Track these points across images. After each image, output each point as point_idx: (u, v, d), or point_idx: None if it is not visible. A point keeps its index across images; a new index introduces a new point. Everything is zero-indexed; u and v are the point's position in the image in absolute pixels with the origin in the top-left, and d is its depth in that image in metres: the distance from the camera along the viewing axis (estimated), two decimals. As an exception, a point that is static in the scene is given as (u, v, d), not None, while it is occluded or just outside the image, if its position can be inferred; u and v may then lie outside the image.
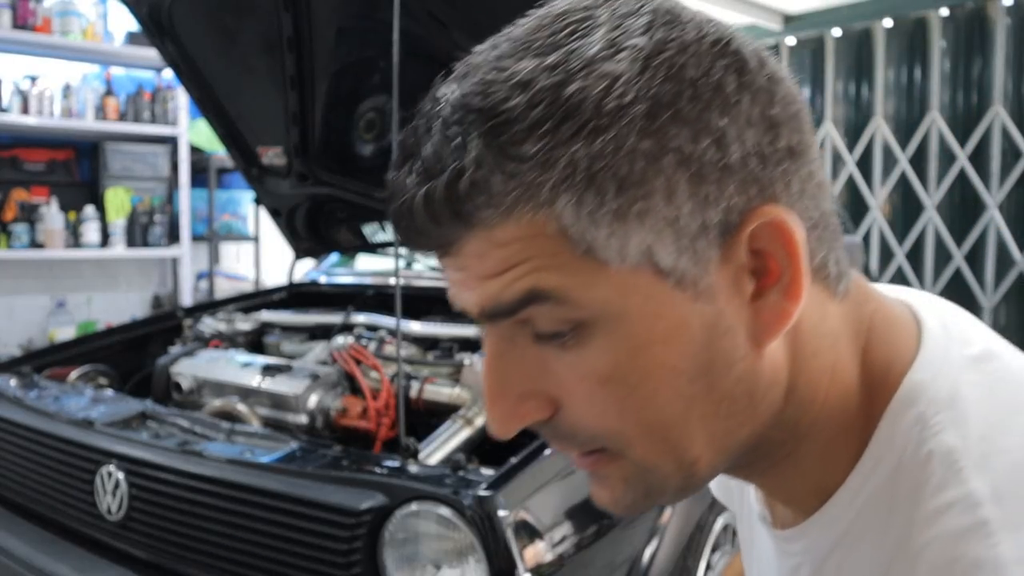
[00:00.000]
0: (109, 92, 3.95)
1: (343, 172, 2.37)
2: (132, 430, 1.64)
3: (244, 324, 2.39)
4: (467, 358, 1.88)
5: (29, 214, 3.81)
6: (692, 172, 0.40)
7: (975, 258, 5.01)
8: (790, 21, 5.59)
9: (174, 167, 4.18)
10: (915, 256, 5.24)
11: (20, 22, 3.65)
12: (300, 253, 2.70)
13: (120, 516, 1.50)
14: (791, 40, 5.69)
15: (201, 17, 2.24)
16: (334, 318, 2.32)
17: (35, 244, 3.80)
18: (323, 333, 2.30)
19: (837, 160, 5.53)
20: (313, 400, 1.80)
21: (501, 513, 1.24)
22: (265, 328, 2.42)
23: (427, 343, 2.10)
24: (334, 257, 3.06)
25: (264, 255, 4.54)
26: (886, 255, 5.34)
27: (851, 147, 5.46)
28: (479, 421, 1.69)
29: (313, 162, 2.37)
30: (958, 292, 5.07)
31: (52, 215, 3.80)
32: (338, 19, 2.12)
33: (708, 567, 1.63)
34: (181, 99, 4.05)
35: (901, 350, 0.48)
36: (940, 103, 5.06)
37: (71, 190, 3.99)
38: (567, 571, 1.31)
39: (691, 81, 0.41)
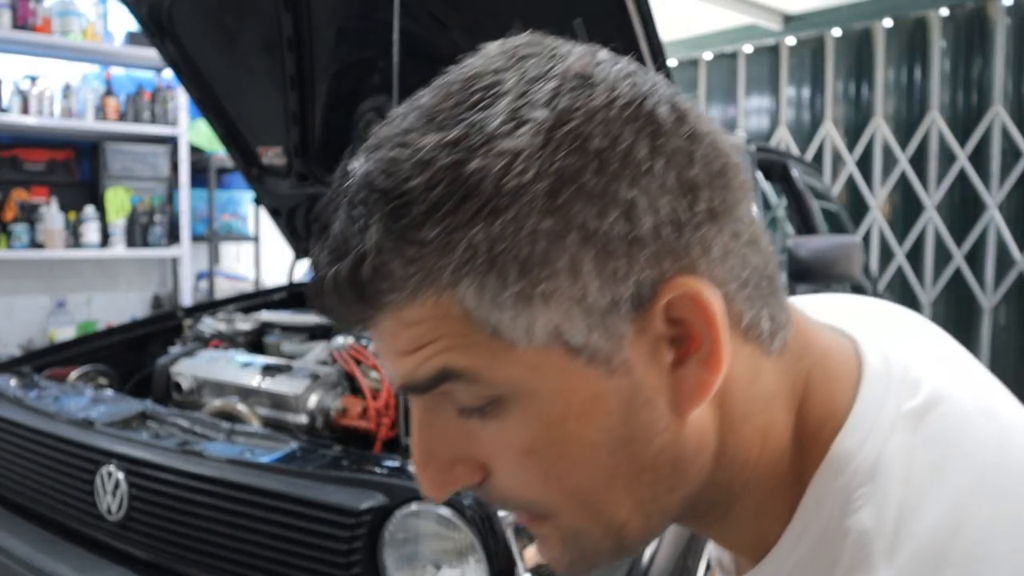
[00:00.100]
0: (109, 92, 3.95)
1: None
2: (132, 430, 1.64)
3: (244, 324, 2.39)
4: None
5: (29, 214, 3.81)
6: (598, 249, 0.39)
7: (975, 258, 5.01)
8: (790, 21, 5.58)
9: (174, 167, 4.18)
10: (915, 256, 5.24)
11: (20, 22, 3.65)
12: (300, 253, 2.70)
13: (120, 516, 1.50)
14: (791, 40, 5.69)
15: (201, 17, 2.24)
16: (334, 318, 2.31)
17: (35, 244, 3.80)
18: (323, 333, 2.30)
19: (837, 160, 5.53)
20: (313, 400, 1.81)
21: (501, 513, 1.24)
22: (265, 328, 2.42)
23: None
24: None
25: (264, 255, 4.54)
26: (886, 255, 5.34)
27: (851, 147, 5.46)
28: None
29: (313, 162, 2.37)
30: (958, 292, 5.07)
31: (52, 215, 3.80)
32: (338, 19, 2.12)
33: (708, 567, 1.63)
34: (181, 99, 4.05)
35: (837, 405, 0.46)
36: (940, 103, 5.06)
37: (71, 190, 3.99)
38: (567, 571, 1.31)
39: (596, 152, 0.39)
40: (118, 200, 4.01)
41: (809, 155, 5.55)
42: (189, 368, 2.05)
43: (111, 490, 1.51)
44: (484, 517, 1.24)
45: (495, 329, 0.40)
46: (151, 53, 3.47)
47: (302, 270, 3.05)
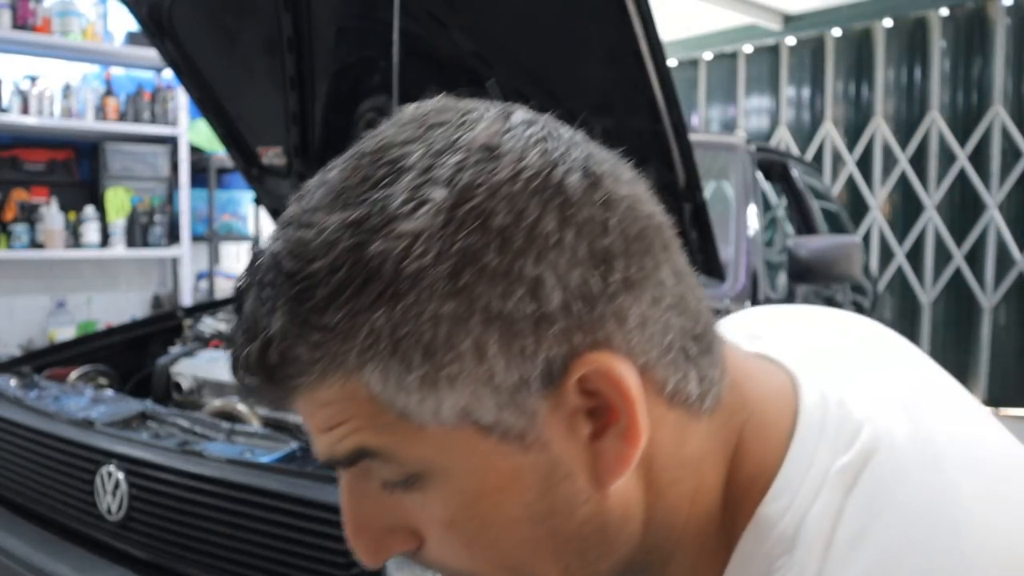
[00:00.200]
0: (109, 92, 3.95)
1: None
2: (132, 430, 1.64)
3: (244, 324, 2.39)
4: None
5: (29, 214, 3.81)
6: (503, 330, 0.39)
7: (975, 258, 5.01)
8: (790, 21, 5.58)
9: (174, 167, 4.18)
10: (915, 256, 5.24)
11: (20, 22, 3.65)
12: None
13: (120, 516, 1.50)
14: (791, 40, 5.69)
15: (201, 17, 2.24)
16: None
17: (35, 244, 3.80)
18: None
19: (837, 160, 5.53)
20: (313, 400, 1.80)
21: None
22: (265, 328, 2.41)
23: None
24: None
25: (264, 255, 4.53)
26: (886, 255, 5.34)
27: (851, 147, 5.46)
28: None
29: (313, 162, 2.37)
30: (958, 292, 5.08)
31: (52, 215, 3.80)
32: (338, 19, 2.12)
33: None
34: (181, 99, 4.05)
35: (768, 462, 0.45)
36: (940, 103, 5.06)
37: (71, 190, 3.99)
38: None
39: (499, 230, 0.39)
40: (118, 200, 4.01)
41: (809, 155, 5.55)
42: (189, 368, 2.05)
43: (111, 490, 1.51)
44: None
45: (403, 411, 0.40)
46: (151, 53, 3.47)
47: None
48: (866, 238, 5.30)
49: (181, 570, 1.44)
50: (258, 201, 2.71)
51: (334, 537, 1.29)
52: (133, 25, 3.78)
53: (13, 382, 1.96)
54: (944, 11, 4.98)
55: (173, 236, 4.18)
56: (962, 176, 4.99)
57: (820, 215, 3.21)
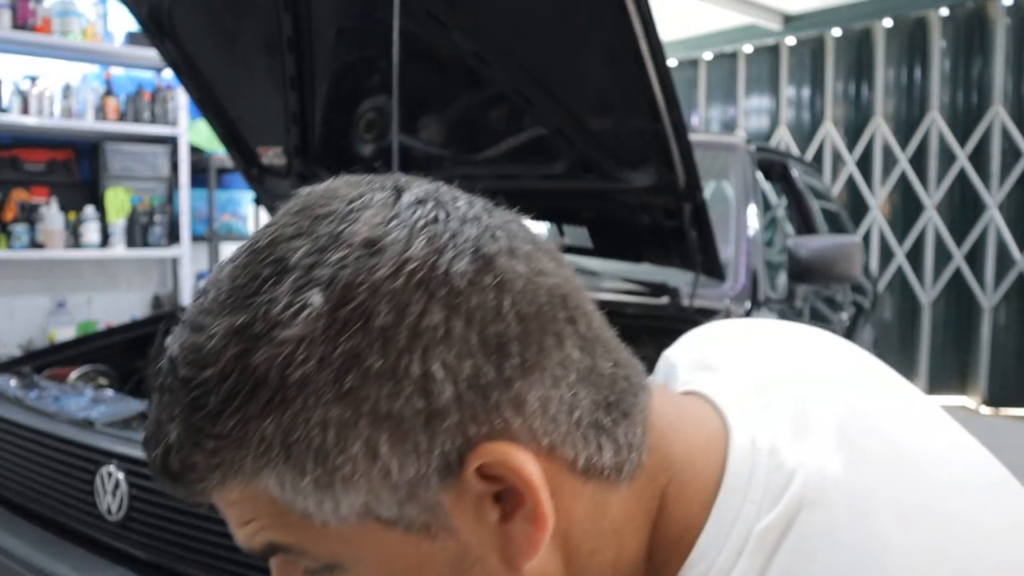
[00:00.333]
0: (109, 92, 3.95)
1: (343, 172, 2.37)
2: (132, 430, 1.64)
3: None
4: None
5: (29, 214, 3.81)
6: (393, 430, 0.39)
7: (975, 258, 5.01)
8: (790, 21, 5.58)
9: (174, 167, 4.18)
10: (915, 256, 5.24)
11: (20, 22, 3.65)
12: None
13: (120, 516, 1.50)
14: (791, 40, 5.69)
15: (201, 17, 2.24)
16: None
17: (35, 244, 3.80)
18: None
19: (837, 160, 5.53)
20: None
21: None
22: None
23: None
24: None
25: (264, 255, 4.53)
26: (886, 255, 5.34)
27: (851, 147, 5.46)
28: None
29: (313, 162, 2.37)
30: (958, 292, 5.08)
31: (52, 215, 3.80)
32: (338, 19, 2.12)
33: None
34: (181, 99, 4.05)
35: (691, 523, 0.45)
36: (940, 103, 5.06)
37: (71, 190, 3.99)
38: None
39: (381, 330, 0.38)
40: (118, 200, 4.01)
41: (809, 155, 5.55)
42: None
43: (111, 490, 1.51)
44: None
45: (303, 512, 0.41)
46: (151, 53, 3.47)
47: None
48: (866, 238, 5.30)
49: (181, 570, 1.44)
50: (258, 201, 2.71)
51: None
52: (133, 25, 3.78)
53: (13, 382, 1.96)
54: (944, 11, 4.98)
55: (173, 236, 4.18)
56: (962, 176, 4.99)
57: (820, 215, 3.21)
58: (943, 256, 5.12)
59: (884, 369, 0.57)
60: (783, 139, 5.74)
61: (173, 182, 4.20)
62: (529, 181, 2.01)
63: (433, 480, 0.40)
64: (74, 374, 2.10)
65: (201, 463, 0.41)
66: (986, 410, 4.95)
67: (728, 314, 2.01)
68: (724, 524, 0.44)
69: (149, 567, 1.48)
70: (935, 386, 5.18)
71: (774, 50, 5.80)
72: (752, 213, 2.33)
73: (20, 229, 3.74)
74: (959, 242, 5.04)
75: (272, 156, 2.41)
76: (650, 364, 0.57)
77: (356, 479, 0.39)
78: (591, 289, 2.25)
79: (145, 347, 2.39)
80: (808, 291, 2.58)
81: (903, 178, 5.24)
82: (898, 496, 0.43)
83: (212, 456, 0.40)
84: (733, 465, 0.45)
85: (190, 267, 4.22)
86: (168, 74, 4.05)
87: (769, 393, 0.50)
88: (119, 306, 4.20)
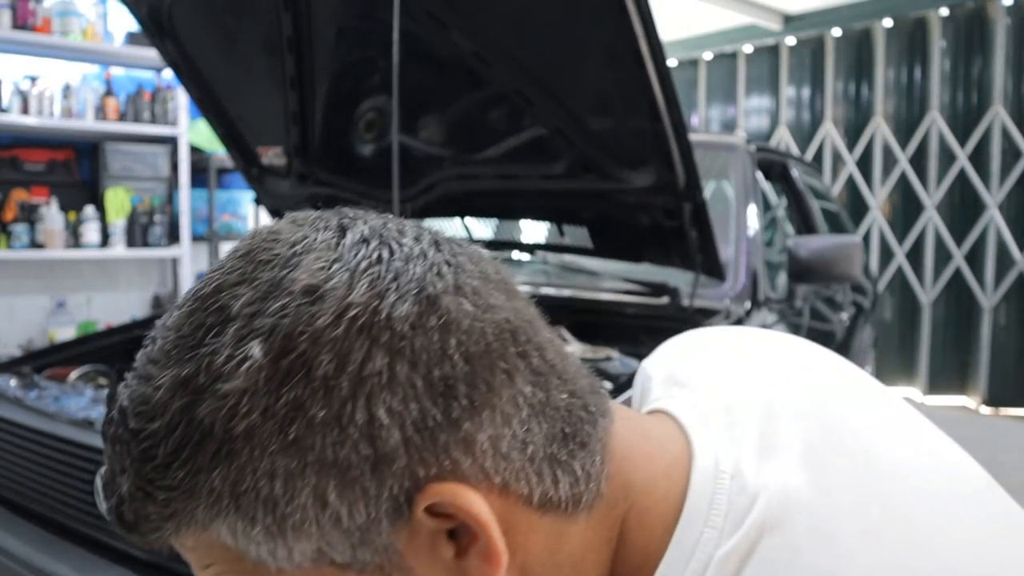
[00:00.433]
0: (109, 92, 3.95)
1: (343, 172, 2.37)
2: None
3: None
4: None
5: (29, 214, 3.81)
6: (340, 477, 0.39)
7: (975, 258, 5.01)
8: (790, 21, 5.59)
9: (174, 167, 4.18)
10: (915, 256, 5.24)
11: (20, 22, 3.65)
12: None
13: (120, 516, 1.50)
14: (791, 40, 5.70)
15: (201, 17, 2.24)
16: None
17: (35, 244, 3.80)
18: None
19: (837, 160, 5.53)
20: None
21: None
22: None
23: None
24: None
25: (264, 255, 4.53)
26: (886, 255, 5.34)
27: (851, 147, 5.46)
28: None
29: (313, 162, 2.37)
30: (958, 292, 5.08)
31: (52, 215, 3.80)
32: (338, 19, 2.12)
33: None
34: (181, 99, 4.06)
35: (651, 552, 0.45)
36: (940, 103, 5.06)
37: (71, 190, 3.99)
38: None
39: (323, 378, 0.38)
40: (118, 200, 4.01)
41: (809, 155, 5.55)
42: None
43: (111, 490, 1.51)
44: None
45: (257, 559, 0.41)
46: (151, 53, 3.47)
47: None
48: (866, 238, 5.30)
49: (181, 570, 1.44)
50: (258, 201, 2.71)
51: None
52: (133, 25, 3.78)
53: (13, 382, 1.96)
54: (944, 11, 4.98)
55: (173, 236, 4.18)
56: (962, 176, 4.99)
57: (820, 215, 3.21)
58: (943, 256, 5.12)
59: (862, 378, 0.56)
60: (783, 139, 5.74)
61: (173, 182, 4.20)
62: (529, 181, 2.01)
63: (384, 523, 0.40)
64: (74, 374, 2.10)
65: (154, 514, 0.41)
66: (986, 410, 4.95)
67: (728, 314, 2.01)
68: (684, 551, 0.44)
69: (149, 567, 1.48)
70: (935, 386, 5.18)
71: (774, 50, 5.80)
72: (752, 213, 2.33)
73: (20, 229, 3.74)
74: (959, 242, 5.04)
75: (272, 156, 2.41)
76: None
77: (307, 527, 0.40)
78: (590, 289, 2.25)
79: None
80: (808, 291, 2.58)
81: (903, 178, 5.24)
82: (865, 515, 0.43)
83: (164, 507, 0.41)
84: (695, 489, 0.45)
85: (190, 267, 4.22)
86: (168, 74, 4.06)
87: (737, 411, 0.49)
88: (119, 306, 4.20)
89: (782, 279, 2.46)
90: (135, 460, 0.41)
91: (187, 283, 4.22)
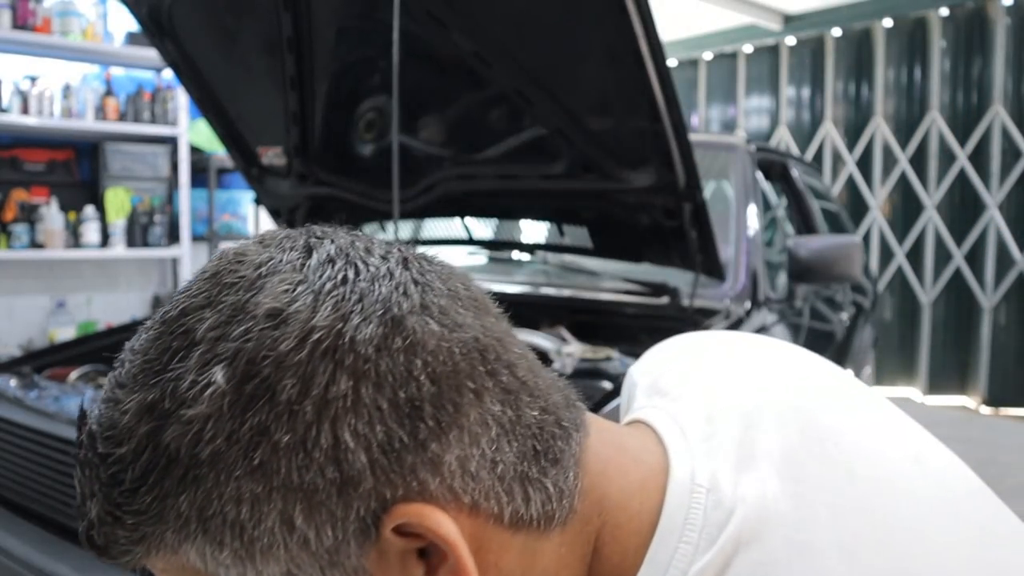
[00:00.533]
0: (109, 92, 3.95)
1: (343, 172, 2.37)
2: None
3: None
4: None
5: (29, 214, 3.81)
6: (306, 500, 0.39)
7: (975, 258, 5.01)
8: (790, 21, 5.59)
9: (174, 167, 4.18)
10: (915, 256, 5.24)
11: (20, 22, 3.65)
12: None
13: (120, 516, 1.50)
14: (791, 40, 5.70)
15: (201, 17, 2.24)
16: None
17: (35, 244, 3.80)
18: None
19: (837, 160, 5.53)
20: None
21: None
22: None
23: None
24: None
25: (264, 255, 4.53)
26: (886, 255, 5.34)
27: (851, 147, 5.46)
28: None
29: (313, 162, 2.37)
30: (958, 292, 5.08)
31: (52, 215, 3.80)
32: (338, 19, 2.12)
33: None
34: (181, 99, 4.06)
35: (626, 567, 0.45)
36: (940, 103, 5.06)
37: (71, 190, 3.99)
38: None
39: (287, 403, 0.38)
40: (118, 200, 4.01)
41: (809, 155, 5.56)
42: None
43: (111, 490, 1.51)
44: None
45: None
46: (151, 53, 3.47)
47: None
48: (866, 238, 5.30)
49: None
50: (258, 201, 2.71)
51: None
52: (133, 25, 3.79)
53: (13, 382, 1.96)
54: (944, 11, 4.98)
55: (173, 236, 4.18)
56: (962, 176, 4.99)
57: (820, 215, 3.21)
58: (943, 256, 5.12)
59: (849, 383, 0.55)
60: (783, 139, 5.74)
61: (173, 182, 4.20)
62: (529, 181, 2.01)
63: (352, 545, 0.40)
64: (74, 374, 2.10)
65: (123, 537, 0.42)
66: (986, 410, 4.95)
67: (728, 314, 2.01)
68: (658, 567, 0.43)
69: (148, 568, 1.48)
70: (935, 386, 5.18)
71: (774, 50, 5.80)
72: (752, 213, 2.33)
73: (20, 229, 3.74)
74: (959, 242, 5.04)
75: (272, 156, 2.41)
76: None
77: (275, 550, 0.40)
78: (590, 289, 2.25)
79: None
80: (808, 291, 2.58)
81: (903, 178, 5.24)
82: (845, 527, 0.42)
83: (133, 531, 0.41)
84: (670, 504, 0.45)
85: (190, 267, 4.22)
86: (168, 74, 4.06)
87: (717, 421, 0.49)
88: (119, 306, 4.20)
89: (782, 279, 2.46)
90: (104, 484, 0.41)
91: (187, 283, 4.22)
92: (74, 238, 3.88)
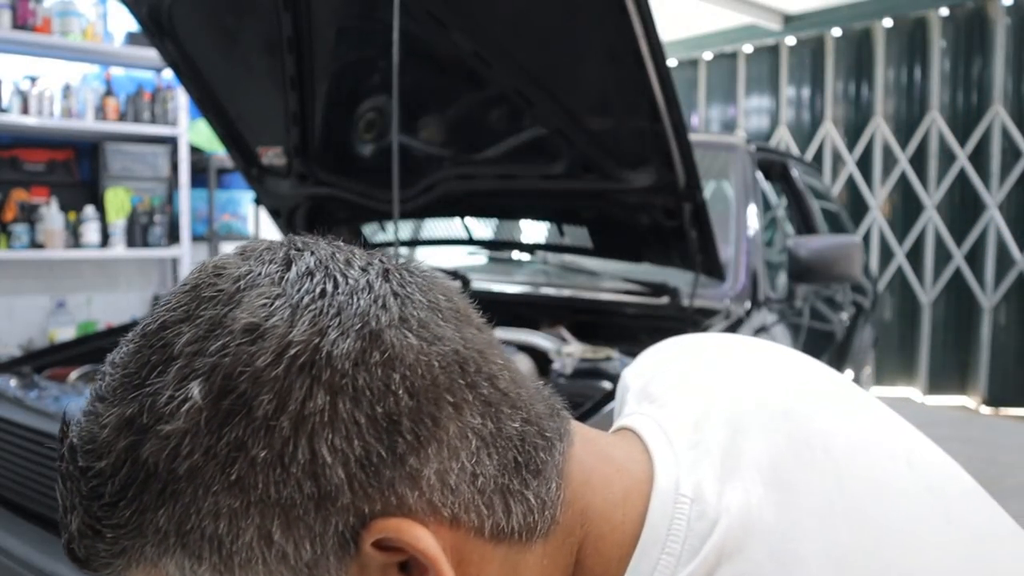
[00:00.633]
0: (109, 92, 3.95)
1: (343, 172, 2.37)
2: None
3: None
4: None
5: (29, 214, 3.81)
6: (283, 515, 0.39)
7: (975, 258, 5.01)
8: (790, 21, 5.59)
9: (174, 167, 4.18)
10: (915, 256, 5.24)
11: (20, 22, 3.65)
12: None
13: (120, 516, 1.50)
14: (791, 40, 5.70)
15: (201, 17, 2.24)
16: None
17: (35, 244, 3.80)
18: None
19: (837, 160, 5.53)
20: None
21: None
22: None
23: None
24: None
25: (264, 255, 4.53)
26: (886, 255, 5.34)
27: (851, 147, 5.46)
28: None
29: (313, 162, 2.37)
30: (958, 292, 5.08)
31: (52, 215, 3.80)
32: (338, 19, 2.12)
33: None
34: (181, 99, 4.06)
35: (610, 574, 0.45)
36: (940, 103, 5.06)
37: (71, 190, 3.99)
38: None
39: (264, 418, 0.38)
40: (118, 200, 4.01)
41: (809, 155, 5.56)
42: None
43: (111, 490, 1.51)
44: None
45: None
46: (151, 53, 3.47)
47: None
48: (866, 238, 5.30)
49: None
50: (258, 201, 2.71)
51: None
52: (133, 25, 3.79)
53: (13, 382, 1.96)
54: (944, 11, 4.98)
55: (173, 236, 4.18)
56: (962, 176, 4.99)
57: (820, 215, 3.21)
58: (943, 256, 5.12)
59: (842, 385, 0.55)
60: (783, 139, 5.74)
61: (173, 182, 4.20)
62: (529, 181, 2.01)
63: (331, 559, 0.40)
64: (74, 374, 2.10)
65: (103, 550, 0.42)
66: (986, 410, 4.95)
67: (728, 314, 2.01)
68: None
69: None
70: (935, 386, 5.18)
71: (774, 50, 5.80)
72: (752, 213, 2.33)
73: (20, 229, 3.75)
74: (959, 242, 5.04)
75: (272, 156, 2.41)
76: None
77: (254, 564, 0.40)
78: (590, 289, 2.25)
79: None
80: (808, 291, 2.58)
81: (903, 178, 5.24)
82: (832, 536, 0.42)
83: (113, 544, 0.41)
84: (654, 514, 0.45)
85: (190, 267, 4.22)
86: (168, 74, 4.06)
87: (704, 428, 0.49)
88: (119, 306, 4.20)
89: (782, 279, 2.46)
90: (84, 497, 0.41)
91: (187, 283, 4.22)
92: (74, 238, 3.88)
